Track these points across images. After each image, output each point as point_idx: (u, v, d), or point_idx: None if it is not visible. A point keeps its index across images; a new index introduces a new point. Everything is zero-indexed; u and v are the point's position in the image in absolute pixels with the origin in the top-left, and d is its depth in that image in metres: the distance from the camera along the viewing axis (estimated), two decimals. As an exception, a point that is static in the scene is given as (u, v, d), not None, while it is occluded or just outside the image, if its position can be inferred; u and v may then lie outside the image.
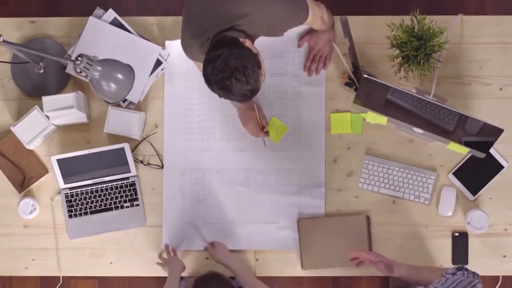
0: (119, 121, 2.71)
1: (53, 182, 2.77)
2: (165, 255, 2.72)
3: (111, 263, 2.76)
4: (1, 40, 2.34)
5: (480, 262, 2.72)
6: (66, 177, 2.73)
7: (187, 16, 2.36)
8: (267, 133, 2.71)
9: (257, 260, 2.75)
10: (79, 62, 2.32)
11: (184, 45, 2.43)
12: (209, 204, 2.75)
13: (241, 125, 2.73)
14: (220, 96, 2.25)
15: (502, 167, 2.73)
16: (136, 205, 2.75)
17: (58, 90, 2.77)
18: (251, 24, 2.30)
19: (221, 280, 2.48)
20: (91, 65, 2.34)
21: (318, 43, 2.73)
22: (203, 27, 2.31)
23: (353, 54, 2.64)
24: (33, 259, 2.75)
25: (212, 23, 2.29)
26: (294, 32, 2.77)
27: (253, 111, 2.69)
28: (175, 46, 2.77)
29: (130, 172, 2.74)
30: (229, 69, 2.18)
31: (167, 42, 2.78)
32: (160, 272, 2.74)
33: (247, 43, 2.24)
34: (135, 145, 2.77)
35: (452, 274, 2.21)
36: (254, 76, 2.21)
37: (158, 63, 2.75)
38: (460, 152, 2.58)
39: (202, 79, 2.77)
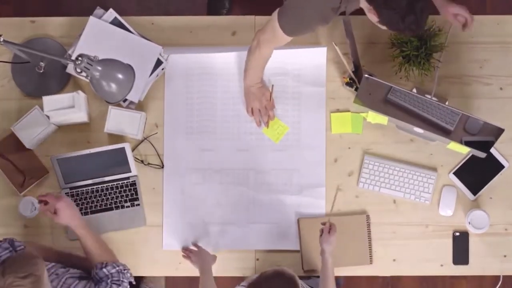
0: (119, 121, 2.70)
1: (53, 182, 2.76)
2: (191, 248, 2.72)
3: (111, 263, 2.75)
4: (2, 40, 2.34)
5: (481, 262, 2.72)
6: (66, 177, 2.73)
7: None
8: (272, 116, 2.74)
9: (257, 260, 2.74)
10: (79, 62, 2.32)
11: (317, 19, 2.34)
12: (209, 204, 2.75)
13: (250, 101, 2.72)
14: (412, 27, 2.18)
15: (503, 166, 2.73)
16: (136, 205, 2.74)
17: (59, 90, 2.77)
18: None
19: (285, 276, 2.27)
20: (92, 65, 2.34)
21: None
22: None
23: (354, 54, 2.64)
24: (33, 259, 2.75)
25: None
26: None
27: (268, 90, 2.72)
28: (173, 55, 2.76)
29: (130, 172, 2.74)
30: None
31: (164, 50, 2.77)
32: (160, 272, 2.74)
33: None
34: (135, 145, 2.77)
35: None
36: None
37: (158, 63, 2.75)
38: (460, 151, 2.58)
39: (202, 79, 2.77)
